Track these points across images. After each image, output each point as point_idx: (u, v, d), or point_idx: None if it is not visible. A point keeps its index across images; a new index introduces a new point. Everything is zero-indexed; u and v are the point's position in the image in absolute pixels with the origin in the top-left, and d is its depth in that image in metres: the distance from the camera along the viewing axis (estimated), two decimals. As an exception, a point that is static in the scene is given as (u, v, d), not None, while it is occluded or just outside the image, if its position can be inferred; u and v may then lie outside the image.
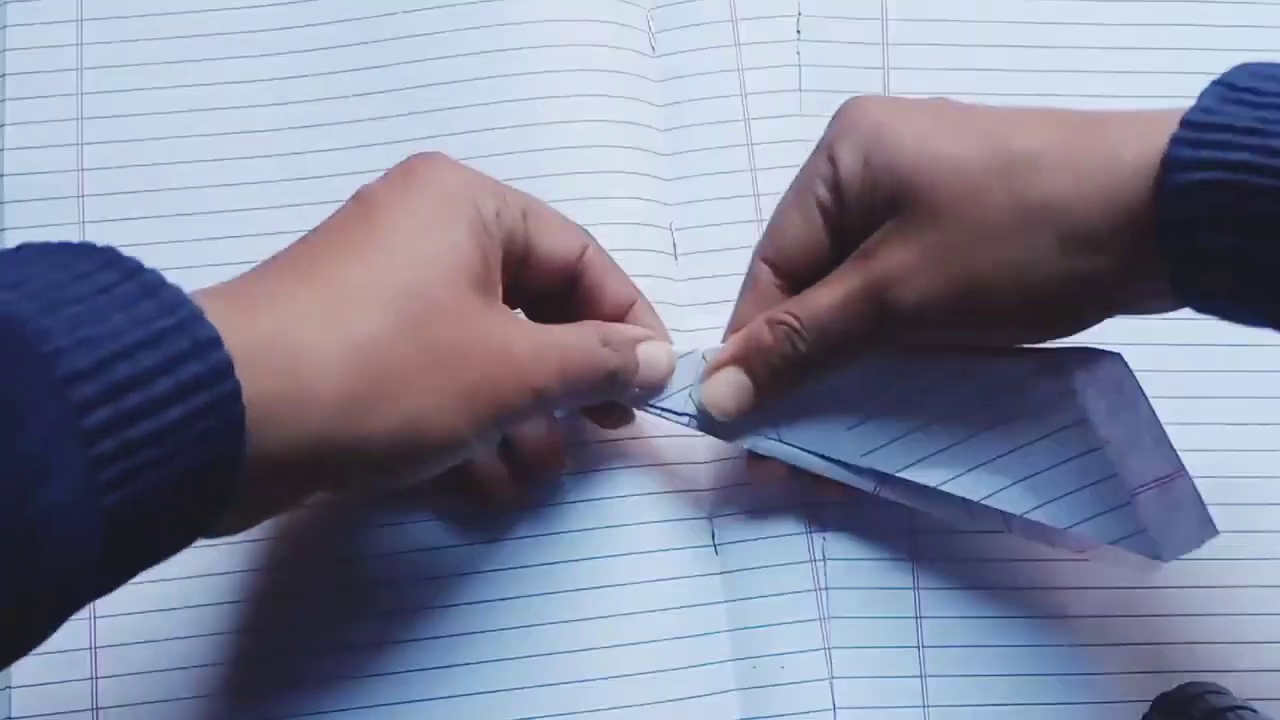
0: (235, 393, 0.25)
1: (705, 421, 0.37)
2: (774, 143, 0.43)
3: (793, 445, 0.37)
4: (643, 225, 0.42)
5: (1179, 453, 0.35)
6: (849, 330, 0.34)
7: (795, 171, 0.36)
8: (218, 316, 0.25)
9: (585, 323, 0.35)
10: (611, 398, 0.36)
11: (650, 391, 0.37)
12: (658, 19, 0.44)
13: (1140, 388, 0.35)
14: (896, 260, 0.32)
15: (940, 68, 0.43)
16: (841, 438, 0.36)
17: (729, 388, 0.36)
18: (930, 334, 0.34)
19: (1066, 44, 0.44)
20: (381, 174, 0.32)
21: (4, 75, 0.43)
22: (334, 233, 0.30)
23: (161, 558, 0.26)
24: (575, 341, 0.33)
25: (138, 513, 0.24)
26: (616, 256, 0.40)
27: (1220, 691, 0.35)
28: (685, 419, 0.37)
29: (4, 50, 0.44)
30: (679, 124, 0.43)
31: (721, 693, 0.38)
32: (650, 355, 0.36)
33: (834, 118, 0.35)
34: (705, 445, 0.40)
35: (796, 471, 0.37)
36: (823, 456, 0.37)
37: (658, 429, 0.39)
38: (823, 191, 0.34)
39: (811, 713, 0.38)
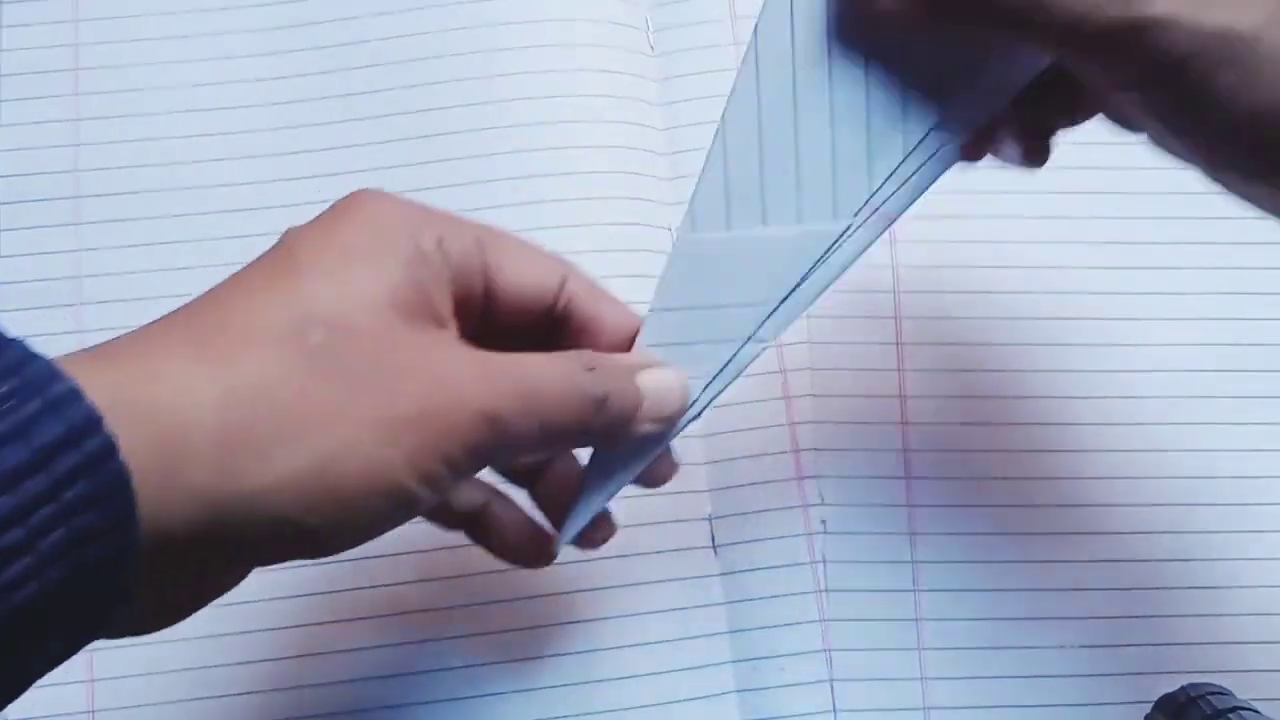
0: (109, 448, 0.21)
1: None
2: (773, 142, 0.42)
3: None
4: (641, 225, 0.42)
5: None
6: None
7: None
8: (75, 367, 0.21)
9: (567, 351, 0.29)
10: (614, 433, 0.30)
11: (665, 425, 0.31)
12: (656, 18, 0.44)
13: None
14: None
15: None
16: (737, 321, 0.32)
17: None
18: None
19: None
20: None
21: (0, 76, 0.43)
22: (250, 271, 0.27)
23: (36, 674, 0.22)
24: (544, 364, 0.28)
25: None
26: (614, 257, 0.40)
27: (1222, 692, 0.35)
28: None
29: (0, 51, 0.43)
30: (678, 123, 0.43)
31: (721, 695, 0.38)
32: (658, 384, 0.30)
33: None
34: (705, 446, 0.40)
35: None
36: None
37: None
38: None
39: (812, 715, 0.38)
